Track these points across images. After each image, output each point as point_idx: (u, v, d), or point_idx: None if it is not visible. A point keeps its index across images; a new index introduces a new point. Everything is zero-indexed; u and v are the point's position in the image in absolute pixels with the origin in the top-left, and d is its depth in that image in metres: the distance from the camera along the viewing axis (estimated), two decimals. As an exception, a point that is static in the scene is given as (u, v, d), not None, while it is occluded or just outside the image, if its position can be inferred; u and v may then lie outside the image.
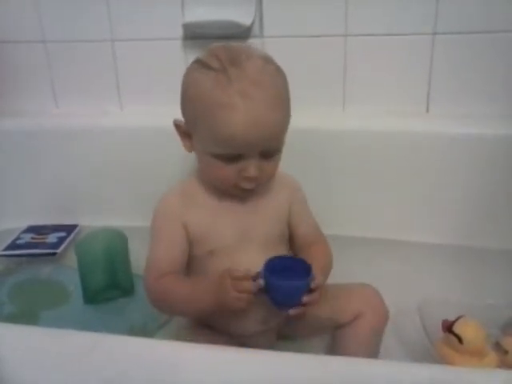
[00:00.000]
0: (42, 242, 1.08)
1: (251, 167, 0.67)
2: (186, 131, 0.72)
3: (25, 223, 1.16)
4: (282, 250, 0.77)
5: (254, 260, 0.68)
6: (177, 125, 0.73)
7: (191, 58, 0.67)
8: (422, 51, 1.03)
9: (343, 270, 0.78)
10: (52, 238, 1.10)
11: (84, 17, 1.11)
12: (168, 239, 0.73)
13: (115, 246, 0.90)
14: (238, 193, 0.71)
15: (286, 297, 0.64)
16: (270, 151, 0.68)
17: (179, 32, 1.08)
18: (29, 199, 1.18)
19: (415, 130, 1.04)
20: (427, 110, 1.08)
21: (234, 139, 0.65)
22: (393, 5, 1.00)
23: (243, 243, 0.73)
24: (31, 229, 1.15)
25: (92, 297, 0.90)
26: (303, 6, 1.02)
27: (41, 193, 1.17)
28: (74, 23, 1.12)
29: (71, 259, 0.95)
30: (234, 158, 0.67)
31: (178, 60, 1.09)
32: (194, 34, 1.07)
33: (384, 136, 1.05)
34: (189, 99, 0.70)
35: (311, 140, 1.04)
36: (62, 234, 1.12)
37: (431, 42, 1.02)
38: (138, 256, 0.86)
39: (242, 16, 1.00)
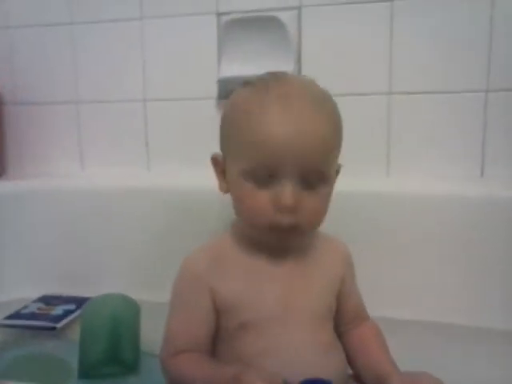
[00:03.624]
0: (45, 314, 0.96)
1: (287, 192, 0.55)
2: (223, 168, 0.63)
3: (42, 291, 1.07)
4: (329, 329, 0.64)
5: (295, 340, 0.58)
6: (214, 159, 0.64)
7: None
8: (475, 109, 0.95)
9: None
10: (58, 310, 0.99)
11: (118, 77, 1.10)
12: (190, 309, 0.61)
13: (124, 316, 0.78)
14: (275, 238, 0.59)
15: None
16: (311, 175, 0.56)
17: (213, 91, 1.05)
18: (48, 266, 1.10)
19: (469, 196, 0.93)
20: (482, 174, 0.98)
21: (266, 145, 0.55)
22: (440, 60, 0.96)
23: (283, 317, 0.60)
24: (43, 298, 1.05)
25: (88, 370, 0.76)
26: (344, 61, 0.99)
27: (59, 259, 1.09)
28: (107, 83, 1.11)
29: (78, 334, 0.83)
30: (266, 178, 0.56)
31: (211, 120, 1.04)
32: (228, 92, 1.03)
33: (434, 203, 0.93)
34: (223, 118, 0.63)
35: (351, 207, 0.93)
36: (72, 306, 1.00)
37: (484, 100, 0.95)
38: (153, 334, 0.72)
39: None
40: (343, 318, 0.66)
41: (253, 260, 0.61)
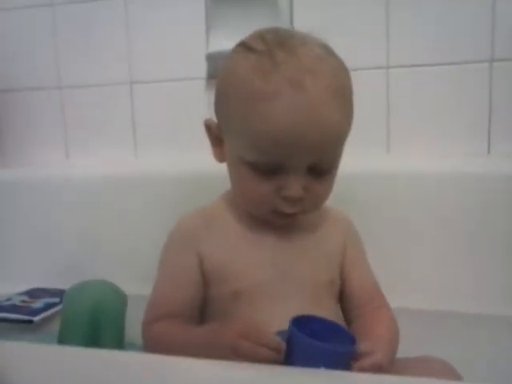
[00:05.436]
0: (26, 307, 0.91)
1: (294, 185, 0.52)
2: (217, 135, 0.58)
3: (30, 285, 1.01)
4: (332, 304, 0.59)
5: (292, 310, 0.52)
6: (207, 125, 0.59)
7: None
8: (479, 81, 0.89)
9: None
10: (40, 303, 0.93)
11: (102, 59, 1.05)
12: (175, 271, 0.58)
13: (105, 304, 0.72)
14: (277, 220, 0.55)
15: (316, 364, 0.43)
16: (321, 166, 0.53)
17: (202, 70, 1.00)
18: (33, 258, 1.04)
19: (477, 174, 0.86)
20: (489, 151, 0.91)
21: (276, 140, 0.49)
22: (440, 30, 0.90)
23: (280, 286, 0.56)
24: (31, 291, 1.00)
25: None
26: (339, 35, 0.92)
27: (43, 251, 1.04)
28: (91, 65, 1.06)
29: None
30: (273, 169, 0.52)
31: (200, 101, 0.98)
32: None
33: (438, 181, 0.87)
34: (222, 90, 0.56)
35: (351, 186, 0.86)
36: (56, 300, 0.95)
37: (489, 70, 0.89)
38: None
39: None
40: (351, 300, 0.60)
41: (246, 228, 0.58)
